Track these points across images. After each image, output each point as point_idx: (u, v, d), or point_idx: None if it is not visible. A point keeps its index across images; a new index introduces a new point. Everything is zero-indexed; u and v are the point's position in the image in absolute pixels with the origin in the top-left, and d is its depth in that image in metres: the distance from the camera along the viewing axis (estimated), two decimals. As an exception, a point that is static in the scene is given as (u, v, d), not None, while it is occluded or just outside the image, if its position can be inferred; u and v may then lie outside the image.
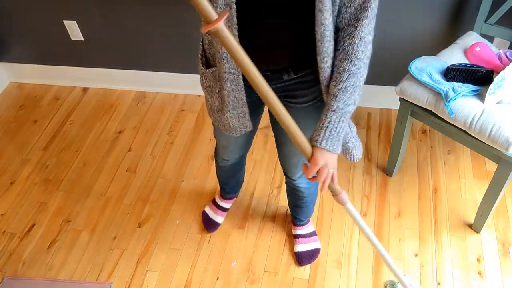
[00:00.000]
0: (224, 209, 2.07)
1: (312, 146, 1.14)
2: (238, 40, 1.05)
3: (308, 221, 1.97)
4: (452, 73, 1.69)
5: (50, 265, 1.99)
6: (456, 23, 2.11)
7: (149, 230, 2.08)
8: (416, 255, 1.91)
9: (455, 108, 1.64)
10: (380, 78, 2.39)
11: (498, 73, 1.62)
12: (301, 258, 1.91)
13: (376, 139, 2.37)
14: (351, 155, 1.31)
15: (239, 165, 1.86)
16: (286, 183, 1.76)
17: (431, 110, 1.74)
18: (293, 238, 1.96)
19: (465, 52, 1.82)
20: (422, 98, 1.72)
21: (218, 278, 1.90)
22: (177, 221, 2.10)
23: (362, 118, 2.47)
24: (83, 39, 2.60)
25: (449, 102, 1.64)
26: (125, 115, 2.65)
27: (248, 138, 1.61)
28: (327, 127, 1.12)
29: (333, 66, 1.12)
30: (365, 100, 2.51)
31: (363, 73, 1.12)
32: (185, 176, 2.29)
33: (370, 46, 1.09)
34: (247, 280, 1.89)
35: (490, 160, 1.71)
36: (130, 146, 2.46)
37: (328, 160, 1.14)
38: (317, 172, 1.17)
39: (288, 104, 1.31)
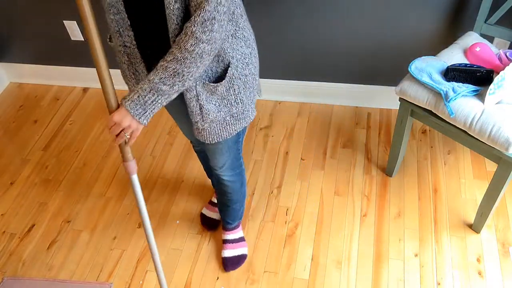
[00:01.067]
0: None
1: (119, 103, 1.22)
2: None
3: (237, 226, 1.96)
4: (452, 73, 1.69)
5: (50, 265, 1.99)
6: (456, 23, 2.11)
7: (149, 230, 2.08)
8: (416, 255, 1.91)
9: (455, 108, 1.64)
10: (380, 78, 2.39)
11: (498, 73, 1.62)
12: (227, 264, 1.91)
13: (376, 139, 2.37)
14: (200, 135, 1.40)
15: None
16: (213, 176, 1.75)
17: (431, 110, 1.74)
18: (222, 243, 1.96)
19: (465, 52, 1.82)
20: (422, 98, 1.72)
21: (218, 278, 1.91)
22: (177, 221, 2.11)
23: (362, 118, 2.48)
24: (83, 39, 2.60)
25: (449, 102, 1.64)
26: (125, 115, 2.64)
27: (190, 125, 1.55)
28: (137, 91, 1.18)
29: None
30: (365, 100, 2.51)
31: (190, 66, 1.14)
32: (185, 176, 2.29)
33: (203, 46, 1.12)
34: (247, 280, 1.89)
35: (490, 160, 1.71)
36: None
37: (124, 120, 1.20)
38: (114, 129, 1.23)
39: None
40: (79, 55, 2.69)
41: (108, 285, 1.91)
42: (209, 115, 1.34)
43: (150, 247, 1.54)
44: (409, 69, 1.76)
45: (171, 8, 1.10)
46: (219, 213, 1.94)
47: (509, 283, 1.81)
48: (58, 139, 2.55)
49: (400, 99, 1.84)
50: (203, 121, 1.35)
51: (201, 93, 1.29)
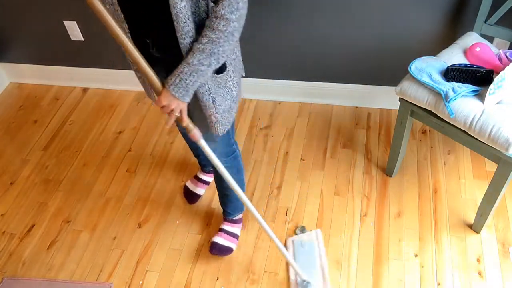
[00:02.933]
0: (205, 182, 2.15)
1: (163, 86, 1.31)
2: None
3: (237, 221, 2.00)
4: (452, 73, 1.69)
5: (50, 266, 1.99)
6: (456, 23, 2.11)
7: (149, 230, 2.08)
8: (416, 255, 1.91)
9: (455, 108, 1.64)
10: (380, 78, 2.39)
11: (498, 73, 1.62)
12: (213, 247, 1.95)
13: (376, 139, 2.37)
14: (214, 128, 1.49)
15: None
16: (201, 155, 1.87)
17: (431, 111, 1.74)
18: (218, 230, 2.01)
19: (465, 52, 1.82)
20: (422, 99, 1.72)
21: (218, 278, 1.91)
22: (177, 221, 2.11)
23: (362, 118, 2.48)
24: (83, 39, 2.60)
25: (449, 102, 1.64)
26: (125, 115, 2.65)
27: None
28: (178, 75, 1.27)
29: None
30: (365, 100, 2.51)
31: (224, 45, 1.25)
32: (185, 176, 2.29)
33: (234, 24, 1.22)
34: (247, 280, 1.89)
35: (490, 160, 1.71)
36: (130, 147, 2.46)
37: (172, 102, 1.32)
38: (165, 110, 1.35)
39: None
40: (79, 55, 2.69)
41: (108, 285, 1.91)
42: (220, 105, 1.44)
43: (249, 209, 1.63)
44: (409, 69, 1.76)
45: (178, 7, 1.18)
46: (221, 205, 1.96)
47: (509, 283, 1.81)
48: (58, 139, 2.55)
49: (400, 99, 1.84)
50: (216, 112, 1.44)
51: (211, 86, 1.39)
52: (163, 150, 2.43)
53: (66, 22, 2.53)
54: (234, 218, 1.99)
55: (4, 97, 2.86)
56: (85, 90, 2.84)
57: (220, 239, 1.95)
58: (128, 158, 2.40)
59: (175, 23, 1.22)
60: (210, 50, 1.23)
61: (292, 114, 2.53)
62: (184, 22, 1.21)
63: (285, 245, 1.97)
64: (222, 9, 1.20)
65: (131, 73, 2.70)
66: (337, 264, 1.91)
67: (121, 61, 2.65)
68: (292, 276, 1.87)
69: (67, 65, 2.77)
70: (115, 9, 1.28)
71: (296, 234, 2.00)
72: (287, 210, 2.10)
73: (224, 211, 1.97)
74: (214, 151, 1.61)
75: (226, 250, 1.95)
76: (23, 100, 2.82)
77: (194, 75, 1.27)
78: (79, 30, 2.55)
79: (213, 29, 1.21)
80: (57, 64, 2.78)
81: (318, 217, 2.07)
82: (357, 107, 2.54)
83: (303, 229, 1.99)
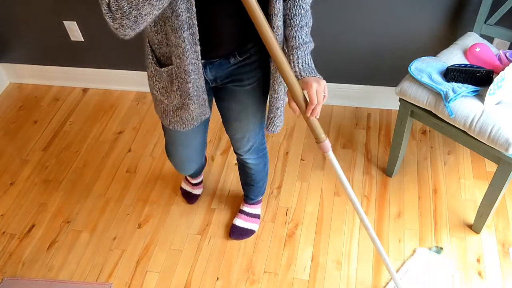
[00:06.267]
0: (198, 184, 2.15)
1: (298, 80, 1.24)
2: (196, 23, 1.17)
3: (258, 202, 2.04)
4: (452, 74, 1.69)
5: (50, 266, 1.99)
6: (456, 24, 2.11)
7: (149, 230, 2.08)
8: (416, 255, 1.91)
9: (455, 108, 1.64)
10: (380, 78, 2.39)
11: (498, 73, 1.62)
12: (234, 231, 1.99)
13: (376, 140, 2.37)
14: (273, 123, 1.47)
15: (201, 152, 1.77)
16: (237, 160, 1.84)
17: (431, 111, 1.74)
18: (237, 212, 2.04)
19: (465, 52, 1.82)
20: (422, 99, 1.72)
21: (218, 278, 1.91)
22: (177, 222, 2.10)
23: (362, 119, 2.48)
24: (83, 40, 2.60)
25: (449, 102, 1.64)
26: (125, 115, 2.65)
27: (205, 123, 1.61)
28: (298, 63, 1.25)
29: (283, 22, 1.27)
30: (365, 101, 2.51)
31: (310, 15, 1.29)
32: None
33: None
34: (247, 281, 1.89)
35: (490, 160, 1.71)
36: (130, 147, 2.46)
37: (316, 82, 1.23)
38: (312, 100, 1.23)
39: (235, 87, 1.43)
40: (79, 55, 2.69)
41: (108, 286, 1.91)
42: (285, 98, 1.40)
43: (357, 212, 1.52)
44: (409, 70, 1.76)
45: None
46: (243, 190, 1.99)
47: (509, 283, 1.81)
48: (58, 139, 2.55)
49: (400, 100, 1.84)
50: (283, 105, 1.44)
51: (278, 77, 1.37)
52: (163, 150, 2.43)
53: (66, 23, 2.53)
54: (255, 201, 2.02)
55: (4, 97, 2.86)
56: (85, 90, 2.84)
57: (240, 222, 1.99)
58: (128, 159, 2.40)
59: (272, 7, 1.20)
60: (306, 25, 1.26)
61: (292, 114, 2.53)
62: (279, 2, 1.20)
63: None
64: None
65: (131, 73, 2.71)
66: (337, 264, 1.91)
67: (121, 61, 2.66)
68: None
69: (67, 65, 2.77)
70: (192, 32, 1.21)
71: (430, 250, 1.88)
72: (287, 210, 2.11)
73: (246, 196, 2.01)
74: (249, 149, 1.66)
75: (247, 233, 1.99)
76: (23, 100, 2.82)
77: (307, 53, 1.27)
78: (79, 30, 2.55)
79: (299, 5, 1.24)
80: (57, 64, 2.78)
81: (318, 217, 2.07)
82: (357, 107, 2.54)
83: (439, 250, 1.85)
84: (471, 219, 2.01)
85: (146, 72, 1.44)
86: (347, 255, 1.94)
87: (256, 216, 2.03)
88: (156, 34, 1.24)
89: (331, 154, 1.34)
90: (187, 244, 2.03)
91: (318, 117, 1.27)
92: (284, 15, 1.26)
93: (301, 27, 1.25)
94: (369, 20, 2.16)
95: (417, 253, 1.89)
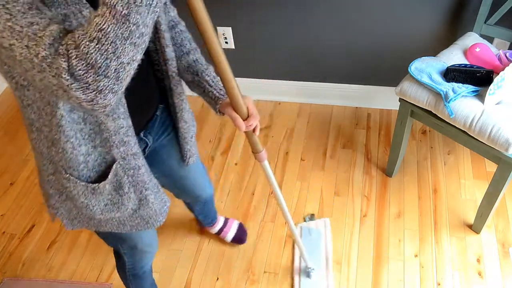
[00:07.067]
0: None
1: (243, 97, 1.15)
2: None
3: (217, 220, 1.99)
4: (452, 74, 1.69)
5: (50, 266, 1.99)
6: (456, 24, 2.11)
7: (149, 230, 2.08)
8: (416, 255, 1.91)
9: (455, 108, 1.64)
10: (380, 78, 2.39)
11: (498, 73, 1.62)
12: (238, 239, 1.99)
13: (376, 140, 2.37)
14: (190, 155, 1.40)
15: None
16: (195, 205, 1.76)
17: (431, 111, 1.74)
18: (216, 235, 2.01)
19: (465, 52, 1.82)
20: (422, 99, 1.72)
21: (218, 278, 1.91)
22: (177, 221, 2.10)
23: (362, 119, 2.48)
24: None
25: (449, 102, 1.64)
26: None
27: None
28: (219, 81, 1.27)
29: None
30: (365, 101, 2.51)
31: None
32: (185, 176, 2.29)
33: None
34: (247, 281, 1.89)
35: (490, 160, 1.71)
36: (130, 147, 2.46)
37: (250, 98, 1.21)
38: (250, 120, 1.20)
39: (154, 143, 1.29)
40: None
41: (108, 286, 1.91)
42: (190, 130, 1.35)
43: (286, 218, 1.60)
44: (409, 70, 1.76)
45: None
46: (199, 219, 1.91)
47: (509, 283, 1.81)
48: (58, 139, 2.55)
49: (400, 100, 1.84)
50: (192, 141, 1.37)
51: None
52: (163, 150, 2.43)
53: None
54: (215, 220, 1.96)
55: (4, 97, 2.86)
56: (85, 90, 2.84)
57: (229, 234, 1.98)
58: (128, 159, 2.40)
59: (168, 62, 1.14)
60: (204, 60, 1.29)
61: (292, 115, 2.53)
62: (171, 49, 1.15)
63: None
64: (182, 22, 1.27)
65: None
66: (337, 264, 1.91)
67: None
68: (296, 262, 1.89)
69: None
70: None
71: (305, 221, 2.03)
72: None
73: (207, 224, 1.95)
74: (204, 177, 1.62)
75: (241, 232, 2.00)
76: (23, 100, 2.82)
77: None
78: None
79: (195, 48, 1.27)
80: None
81: (318, 217, 2.07)
82: (357, 107, 2.54)
83: (312, 217, 2.04)
84: (471, 219, 2.01)
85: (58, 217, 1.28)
86: (347, 255, 1.93)
87: (226, 220, 1.99)
88: (80, 147, 1.02)
89: (266, 164, 1.36)
90: (187, 244, 2.03)
91: (258, 133, 1.26)
92: (173, 44, 1.22)
93: (195, 49, 1.26)
94: (369, 20, 2.16)
95: (299, 228, 2.03)
